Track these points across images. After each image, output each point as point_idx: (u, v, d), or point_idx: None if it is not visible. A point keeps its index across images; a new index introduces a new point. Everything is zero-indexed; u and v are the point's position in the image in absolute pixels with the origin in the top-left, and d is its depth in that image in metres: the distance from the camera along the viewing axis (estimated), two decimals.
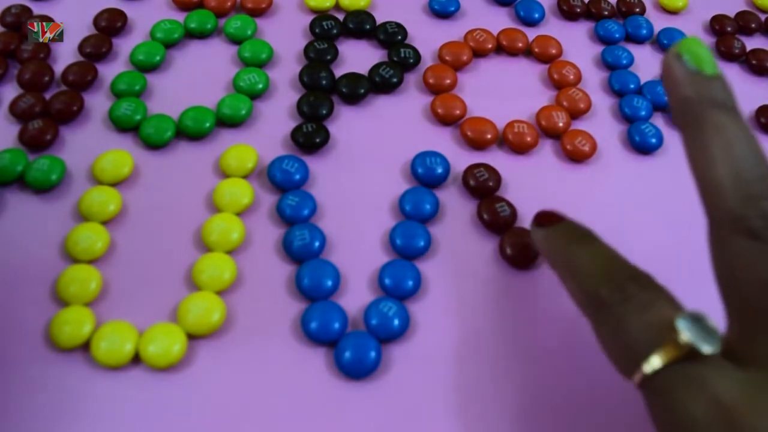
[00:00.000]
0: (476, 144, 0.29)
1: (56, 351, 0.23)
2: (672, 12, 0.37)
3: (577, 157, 0.29)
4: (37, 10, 0.33)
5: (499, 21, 0.35)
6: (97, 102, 0.29)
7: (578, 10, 0.35)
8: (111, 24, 0.32)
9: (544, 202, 0.28)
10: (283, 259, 0.25)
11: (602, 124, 0.31)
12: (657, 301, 0.18)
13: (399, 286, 0.25)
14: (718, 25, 0.36)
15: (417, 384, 0.23)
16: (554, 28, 0.35)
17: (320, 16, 0.33)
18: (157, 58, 0.31)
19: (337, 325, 0.23)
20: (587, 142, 0.30)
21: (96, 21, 0.32)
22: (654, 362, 0.17)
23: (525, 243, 0.26)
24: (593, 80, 0.33)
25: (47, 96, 0.29)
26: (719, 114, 0.19)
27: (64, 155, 0.27)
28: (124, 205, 0.26)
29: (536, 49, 0.33)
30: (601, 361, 0.24)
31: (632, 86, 0.32)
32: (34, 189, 0.26)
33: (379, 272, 0.25)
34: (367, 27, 0.33)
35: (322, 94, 0.30)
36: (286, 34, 0.33)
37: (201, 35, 0.32)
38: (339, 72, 0.31)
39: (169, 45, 0.32)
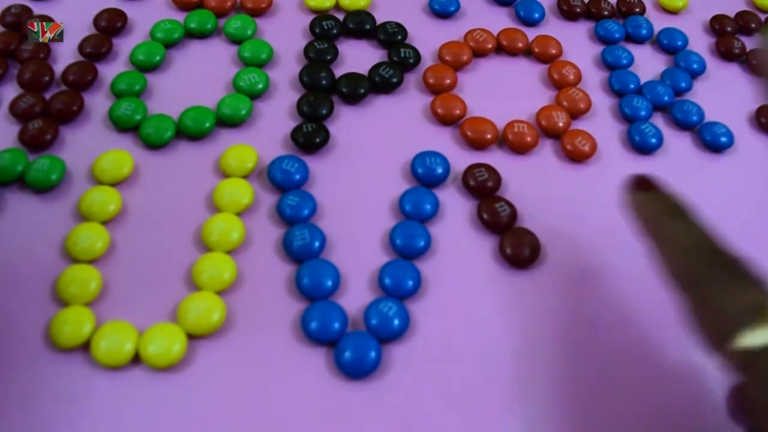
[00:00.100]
0: (476, 144, 0.29)
1: (56, 351, 0.23)
2: (672, 12, 0.37)
3: (577, 157, 0.29)
4: (37, 10, 0.33)
5: (499, 21, 0.35)
6: (97, 102, 0.29)
7: (578, 10, 0.35)
8: (111, 24, 0.32)
9: (544, 202, 0.28)
10: (283, 259, 0.25)
11: (602, 124, 0.31)
12: (751, 284, 0.19)
13: (399, 286, 0.25)
14: (718, 25, 0.36)
15: (417, 384, 0.23)
16: (554, 28, 0.35)
17: (320, 16, 0.33)
18: (157, 58, 0.31)
19: (337, 325, 0.23)
20: (587, 142, 0.30)
21: (96, 21, 0.32)
22: (750, 338, 0.17)
23: (524, 243, 0.26)
24: (593, 80, 0.33)
25: (47, 96, 0.29)
26: None
27: (64, 155, 0.27)
28: (124, 205, 0.26)
29: (536, 49, 0.33)
30: (601, 361, 0.24)
31: (632, 86, 0.32)
32: (34, 189, 0.26)
33: (379, 272, 0.25)
34: (367, 27, 0.33)
35: (322, 94, 0.30)
36: (286, 34, 0.33)
37: (201, 35, 0.32)
38: (339, 72, 0.31)
39: (169, 45, 0.32)
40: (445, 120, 0.30)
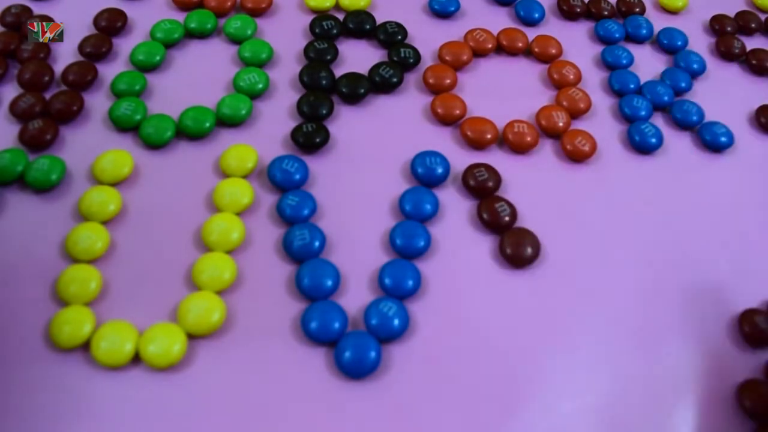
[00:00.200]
0: (476, 144, 0.29)
1: (56, 351, 0.23)
2: (672, 12, 0.37)
3: (577, 157, 0.29)
4: (37, 10, 0.33)
5: (499, 21, 0.35)
6: (97, 102, 0.29)
7: (578, 10, 0.35)
8: (111, 24, 0.32)
9: (544, 202, 0.28)
10: (283, 259, 0.25)
11: (602, 124, 0.31)
12: None
13: (399, 286, 0.25)
14: (718, 25, 0.36)
15: (417, 384, 0.23)
16: (554, 28, 0.35)
17: (320, 16, 0.33)
18: (157, 58, 0.31)
19: (337, 325, 0.23)
20: (587, 142, 0.30)
21: (96, 21, 0.32)
22: None
23: (524, 243, 0.26)
24: (593, 80, 0.33)
25: (47, 96, 0.29)
26: None
27: (64, 155, 0.27)
28: (124, 205, 0.26)
29: (536, 49, 0.33)
30: (601, 361, 0.24)
31: (632, 86, 0.32)
32: (34, 189, 0.26)
33: (379, 272, 0.25)
34: (367, 27, 0.33)
35: (322, 94, 0.30)
36: (286, 34, 0.33)
37: (201, 35, 0.32)
38: (339, 72, 0.31)
39: (169, 45, 0.32)
40: (445, 120, 0.30)
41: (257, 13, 0.33)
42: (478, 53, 0.33)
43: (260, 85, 0.30)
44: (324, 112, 0.29)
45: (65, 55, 0.31)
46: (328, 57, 0.31)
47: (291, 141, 0.29)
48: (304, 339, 0.23)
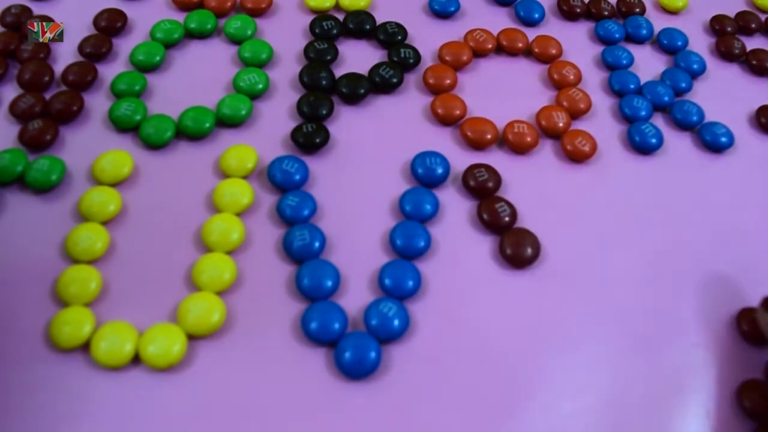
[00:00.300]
0: (476, 144, 0.29)
1: (56, 351, 0.23)
2: (672, 12, 0.37)
3: (577, 157, 0.29)
4: (37, 10, 0.33)
5: (499, 21, 0.35)
6: (97, 102, 0.29)
7: (578, 10, 0.35)
8: (111, 24, 0.32)
9: (544, 202, 0.28)
10: (283, 259, 0.25)
11: (602, 124, 0.31)
12: None
13: (399, 286, 0.25)
14: (718, 25, 0.36)
15: (417, 384, 0.23)
16: (554, 28, 0.35)
17: (320, 16, 0.33)
18: (157, 58, 0.31)
19: (337, 326, 0.23)
20: (587, 142, 0.30)
21: (96, 21, 0.32)
22: None
23: (524, 243, 0.26)
24: (593, 80, 0.33)
25: (47, 96, 0.29)
26: None
27: (64, 155, 0.27)
28: (124, 205, 0.26)
29: (536, 49, 0.33)
30: (600, 361, 0.24)
31: (632, 86, 0.32)
32: (34, 189, 0.26)
33: (379, 272, 0.25)
34: (367, 27, 0.33)
35: (322, 94, 0.30)
36: (286, 34, 0.33)
37: (201, 35, 0.32)
38: (339, 72, 0.31)
39: (169, 45, 0.32)
40: (445, 120, 0.30)
41: (257, 13, 0.33)
42: (478, 53, 0.33)
43: (260, 86, 0.30)
44: (324, 112, 0.29)
45: (65, 55, 0.31)
46: (328, 57, 0.31)
47: (291, 141, 0.29)
48: (304, 339, 0.23)
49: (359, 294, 0.25)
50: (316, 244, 0.25)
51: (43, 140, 0.27)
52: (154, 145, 0.28)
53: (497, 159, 0.29)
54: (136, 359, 0.23)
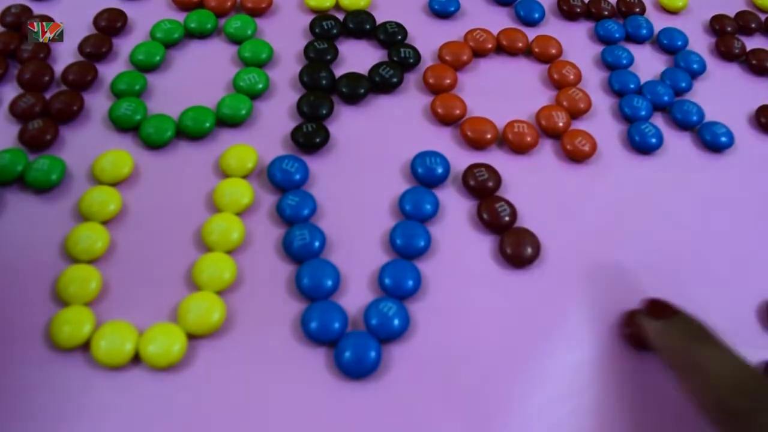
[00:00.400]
0: (476, 144, 0.29)
1: (56, 351, 0.23)
2: (672, 12, 0.37)
3: (577, 157, 0.29)
4: (37, 10, 0.33)
5: (499, 21, 0.35)
6: (97, 102, 0.29)
7: (578, 10, 0.35)
8: (111, 24, 0.32)
9: (544, 202, 0.28)
10: (283, 259, 0.25)
11: (602, 124, 0.31)
12: None
13: (399, 286, 0.25)
14: (718, 25, 0.36)
15: (417, 384, 0.23)
16: (554, 28, 0.35)
17: (320, 16, 0.33)
18: (157, 58, 0.31)
19: (337, 325, 0.23)
20: (587, 142, 0.30)
21: (96, 21, 0.32)
22: None
23: (524, 243, 0.26)
24: (593, 80, 0.33)
25: (47, 96, 0.29)
26: None
27: (64, 155, 0.27)
28: (124, 205, 0.26)
29: (536, 49, 0.33)
30: (601, 360, 0.24)
31: (632, 86, 0.32)
32: (34, 189, 0.26)
33: (379, 272, 0.25)
34: (367, 27, 0.33)
35: (322, 94, 0.30)
36: (286, 34, 0.33)
37: (201, 35, 0.32)
38: (339, 72, 0.31)
39: (169, 45, 0.32)
40: (445, 120, 0.30)
41: (257, 13, 0.33)
42: (478, 53, 0.33)
43: (260, 85, 0.30)
44: (324, 112, 0.29)
45: (65, 55, 0.31)
46: (328, 57, 0.31)
47: (291, 141, 0.29)
48: (304, 339, 0.23)
49: (359, 293, 0.25)
50: (316, 244, 0.25)
51: (43, 140, 0.27)
52: (154, 145, 0.28)
53: (497, 159, 0.29)
54: (136, 359, 0.23)
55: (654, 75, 0.33)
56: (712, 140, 0.31)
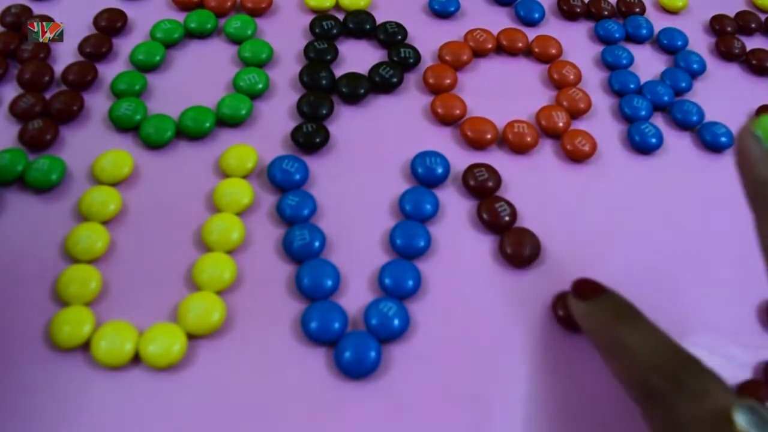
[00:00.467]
0: (476, 144, 0.29)
1: (56, 351, 0.23)
2: (672, 12, 0.37)
3: (577, 157, 0.29)
4: (37, 10, 0.33)
5: (499, 21, 0.35)
6: (97, 102, 0.29)
7: (578, 10, 0.35)
8: (111, 24, 0.32)
9: (544, 201, 0.28)
10: (283, 259, 0.25)
11: (602, 124, 0.31)
12: (711, 390, 0.18)
13: (399, 286, 0.25)
14: (718, 25, 0.36)
15: (417, 384, 0.23)
16: (554, 28, 0.35)
17: (320, 16, 0.33)
18: (157, 58, 0.31)
19: (337, 325, 0.23)
20: (587, 142, 0.30)
21: (96, 21, 0.32)
22: None
23: (524, 243, 0.26)
24: (593, 80, 0.33)
25: (47, 96, 0.29)
26: None
27: (64, 155, 0.27)
28: (124, 205, 0.26)
29: (536, 49, 0.33)
30: (601, 360, 0.24)
31: (632, 86, 0.32)
32: (34, 189, 0.26)
33: (379, 272, 0.25)
34: (367, 27, 0.33)
35: (322, 94, 0.30)
36: (286, 34, 0.33)
37: (201, 35, 0.32)
38: (339, 72, 0.31)
39: (169, 45, 0.32)
40: (445, 120, 0.30)
41: (257, 13, 0.33)
42: (478, 53, 0.33)
43: (260, 85, 0.30)
44: (324, 112, 0.29)
45: (65, 55, 0.31)
46: (328, 57, 0.31)
47: (291, 141, 0.29)
48: (304, 339, 0.23)
49: (359, 293, 0.25)
50: (316, 244, 0.25)
51: (43, 140, 0.27)
52: (154, 145, 0.28)
53: (497, 159, 0.29)
54: (136, 359, 0.23)
55: (654, 75, 0.33)
56: (712, 140, 0.31)
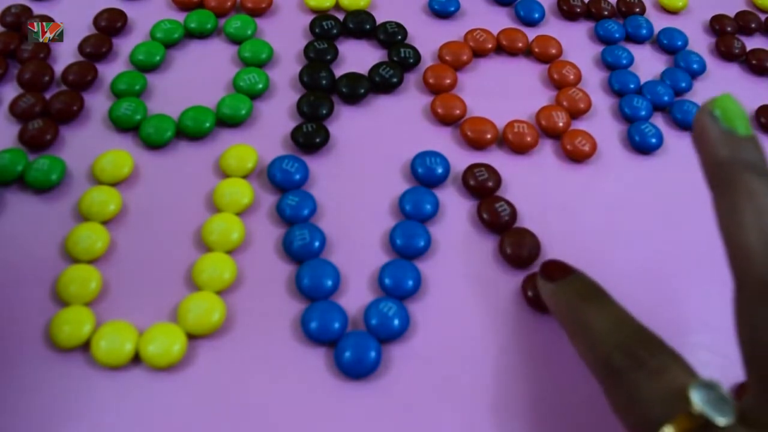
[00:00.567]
0: (476, 144, 0.29)
1: (56, 351, 0.23)
2: (672, 12, 0.37)
3: (577, 157, 0.29)
4: (37, 10, 0.33)
5: (499, 21, 0.35)
6: (97, 102, 0.29)
7: (578, 10, 0.35)
8: (111, 24, 0.32)
9: (544, 202, 0.28)
10: (283, 259, 0.25)
11: (602, 124, 0.31)
12: (669, 368, 0.18)
13: (399, 286, 0.25)
14: (718, 25, 0.36)
15: (417, 384, 0.23)
16: (554, 28, 0.35)
17: (320, 16, 0.33)
18: (157, 58, 0.31)
19: (337, 325, 0.23)
20: (587, 142, 0.30)
21: (96, 21, 0.32)
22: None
23: (524, 243, 0.26)
24: (593, 80, 0.33)
25: (47, 96, 0.29)
26: (752, 178, 0.18)
27: (64, 155, 0.27)
28: (124, 205, 0.26)
29: (536, 49, 0.33)
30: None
31: (632, 86, 0.32)
32: (34, 189, 0.26)
33: (379, 272, 0.25)
34: (367, 27, 0.33)
35: (322, 94, 0.30)
36: (286, 34, 0.33)
37: (201, 35, 0.32)
38: (339, 72, 0.31)
39: (169, 45, 0.32)
40: (445, 120, 0.30)
41: (257, 13, 0.33)
42: (478, 53, 0.33)
43: (260, 85, 0.30)
44: (324, 112, 0.29)
45: (65, 55, 0.31)
46: (328, 57, 0.31)
47: (291, 141, 0.29)
48: (304, 339, 0.23)
49: (359, 293, 0.25)
50: (316, 244, 0.25)
51: (43, 140, 0.27)
52: (154, 145, 0.28)
53: (497, 159, 0.29)
54: (136, 359, 0.23)
55: (654, 75, 0.33)
56: None
